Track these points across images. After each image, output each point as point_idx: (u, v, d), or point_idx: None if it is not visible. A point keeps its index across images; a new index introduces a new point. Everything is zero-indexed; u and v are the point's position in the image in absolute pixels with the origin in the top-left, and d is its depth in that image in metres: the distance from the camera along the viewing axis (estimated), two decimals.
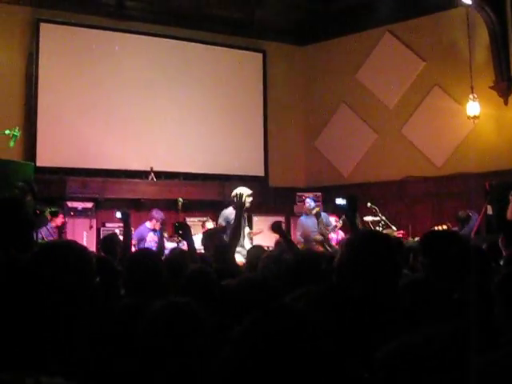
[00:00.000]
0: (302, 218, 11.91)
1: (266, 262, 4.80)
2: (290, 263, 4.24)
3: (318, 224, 10.57)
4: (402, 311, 2.72)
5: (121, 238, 6.91)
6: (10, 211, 3.57)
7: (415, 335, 1.99)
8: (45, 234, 9.86)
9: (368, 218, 10.98)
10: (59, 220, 10.79)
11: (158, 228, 10.98)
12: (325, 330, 1.59)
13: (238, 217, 6.71)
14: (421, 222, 12.62)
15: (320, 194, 14.21)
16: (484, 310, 2.58)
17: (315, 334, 1.55)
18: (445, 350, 1.85)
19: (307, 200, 12.00)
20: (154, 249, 10.25)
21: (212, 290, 3.77)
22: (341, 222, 10.98)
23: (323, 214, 11.08)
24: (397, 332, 2.22)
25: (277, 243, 7.87)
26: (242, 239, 8.44)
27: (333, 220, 11.37)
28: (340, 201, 11.11)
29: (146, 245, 10.71)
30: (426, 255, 3.62)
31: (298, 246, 7.96)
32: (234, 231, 6.58)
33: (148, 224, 11.06)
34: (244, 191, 8.43)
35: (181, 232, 5.94)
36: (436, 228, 11.04)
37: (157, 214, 11.12)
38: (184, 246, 7.69)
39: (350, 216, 4.83)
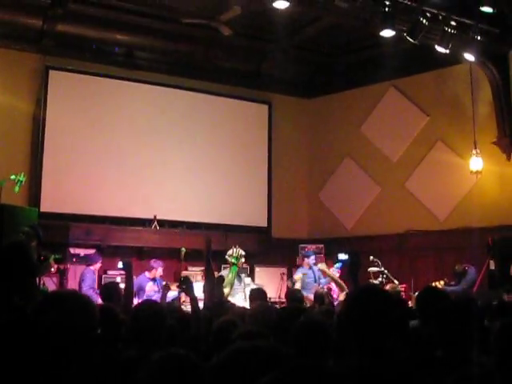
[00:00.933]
0: (301, 271, 11.85)
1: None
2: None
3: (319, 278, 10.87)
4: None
5: (122, 285, 6.92)
6: (15, 257, 3.59)
7: None
8: (90, 281, 10.09)
9: (372, 269, 11.01)
10: (98, 265, 10.96)
11: (158, 277, 11.06)
12: None
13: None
14: (422, 275, 12.56)
15: (322, 245, 14.22)
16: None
17: None
18: None
19: (311, 257, 11.94)
20: (154, 298, 10.35)
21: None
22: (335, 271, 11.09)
23: (315, 268, 11.33)
24: None
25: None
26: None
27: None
28: (342, 256, 11.23)
29: (146, 295, 10.74)
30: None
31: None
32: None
33: (147, 274, 11.11)
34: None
35: (184, 287, 6.04)
36: (433, 284, 11.04)
37: (155, 263, 11.22)
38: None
39: (352, 271, 4.85)
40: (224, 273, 9.24)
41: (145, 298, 10.59)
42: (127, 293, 6.42)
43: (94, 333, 2.27)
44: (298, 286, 11.38)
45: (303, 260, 12.02)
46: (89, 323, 2.17)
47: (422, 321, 3.98)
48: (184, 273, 12.43)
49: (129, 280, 6.54)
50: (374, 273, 11.00)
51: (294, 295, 7.45)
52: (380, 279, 10.95)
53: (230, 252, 9.60)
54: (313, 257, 11.89)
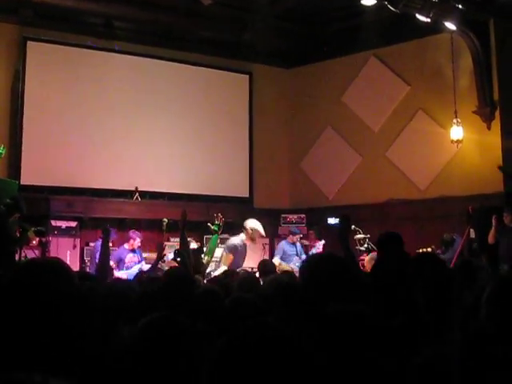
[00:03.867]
0: (284, 243, 11.94)
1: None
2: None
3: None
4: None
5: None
6: None
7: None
8: None
9: (358, 236, 11.10)
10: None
11: (136, 248, 11.06)
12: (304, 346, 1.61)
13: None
14: (404, 244, 12.64)
15: (304, 215, 14.27)
16: None
17: (298, 352, 1.57)
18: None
19: (297, 235, 12.01)
20: (132, 269, 10.40)
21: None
22: (320, 246, 11.28)
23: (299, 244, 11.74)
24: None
25: None
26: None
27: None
28: (333, 220, 11.30)
29: (125, 266, 10.76)
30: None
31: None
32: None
33: (126, 245, 11.10)
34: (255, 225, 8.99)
35: (179, 259, 6.06)
36: (421, 250, 11.15)
37: (134, 234, 11.20)
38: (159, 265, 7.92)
39: (342, 236, 4.86)
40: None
41: (124, 269, 10.63)
42: (103, 258, 6.36)
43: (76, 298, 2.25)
44: (278, 257, 11.49)
45: (289, 234, 12.06)
46: (71, 287, 2.16)
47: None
48: (166, 243, 12.45)
49: (105, 247, 6.48)
50: (360, 240, 11.09)
51: (265, 267, 7.43)
52: (366, 246, 11.05)
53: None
54: (298, 236, 11.96)
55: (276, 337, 1.56)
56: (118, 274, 9.97)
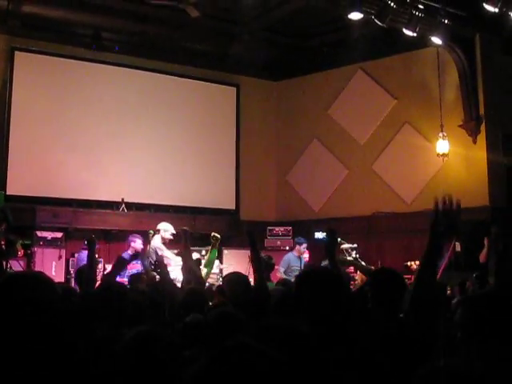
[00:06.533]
0: (291, 256, 11.89)
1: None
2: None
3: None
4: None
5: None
6: None
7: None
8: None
9: (345, 246, 11.08)
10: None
11: (140, 250, 10.84)
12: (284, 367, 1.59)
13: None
14: (390, 257, 12.69)
15: (290, 228, 14.27)
16: None
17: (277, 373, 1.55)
18: None
19: (303, 244, 11.86)
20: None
21: None
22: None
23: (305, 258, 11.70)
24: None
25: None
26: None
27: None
28: (320, 234, 11.28)
29: (127, 273, 10.60)
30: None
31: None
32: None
33: (129, 251, 10.90)
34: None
35: (159, 271, 6.07)
36: (408, 264, 11.20)
37: (134, 237, 11.07)
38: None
39: (329, 249, 4.88)
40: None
41: (126, 277, 10.48)
42: (88, 270, 6.20)
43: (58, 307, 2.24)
44: (282, 270, 11.44)
45: (295, 246, 11.98)
46: (50, 296, 2.15)
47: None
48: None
49: (91, 258, 6.32)
50: (347, 249, 11.07)
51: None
52: (354, 255, 11.01)
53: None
54: (304, 245, 11.78)
55: (256, 357, 1.54)
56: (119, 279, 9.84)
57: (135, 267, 10.75)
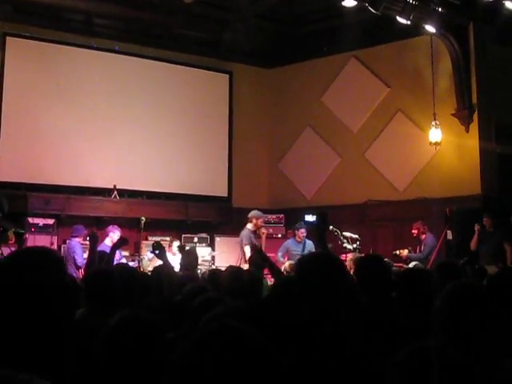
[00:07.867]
0: (290, 242, 11.83)
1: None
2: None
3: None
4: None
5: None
6: None
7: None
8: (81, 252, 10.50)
9: (351, 235, 11.05)
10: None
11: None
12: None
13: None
14: (382, 245, 12.72)
15: (283, 215, 14.26)
16: None
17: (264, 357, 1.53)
18: None
19: (301, 229, 11.63)
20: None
21: None
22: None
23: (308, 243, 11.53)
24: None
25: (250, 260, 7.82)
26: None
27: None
28: (310, 217, 11.20)
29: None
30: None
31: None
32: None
33: (108, 241, 10.97)
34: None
35: (157, 252, 6.05)
36: (398, 252, 11.22)
37: (113, 228, 11.19)
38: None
39: (320, 232, 4.88)
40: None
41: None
42: (91, 264, 6.31)
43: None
44: (280, 254, 11.41)
45: (295, 231, 11.87)
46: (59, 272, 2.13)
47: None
48: (144, 242, 12.44)
49: (93, 252, 6.45)
50: (351, 238, 11.02)
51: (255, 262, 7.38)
52: (354, 246, 10.94)
53: None
54: (303, 229, 11.52)
55: (239, 340, 1.52)
56: None
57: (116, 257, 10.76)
